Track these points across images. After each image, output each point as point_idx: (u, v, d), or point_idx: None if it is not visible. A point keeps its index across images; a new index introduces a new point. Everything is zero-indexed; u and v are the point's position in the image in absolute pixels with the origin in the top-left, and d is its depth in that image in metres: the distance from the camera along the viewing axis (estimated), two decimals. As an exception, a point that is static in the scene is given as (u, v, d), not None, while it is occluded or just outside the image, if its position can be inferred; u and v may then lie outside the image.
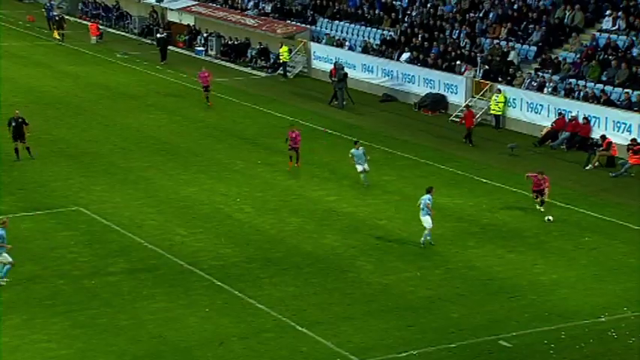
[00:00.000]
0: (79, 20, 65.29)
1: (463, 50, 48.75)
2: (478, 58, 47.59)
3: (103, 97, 47.56)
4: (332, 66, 49.27)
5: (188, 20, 62.08)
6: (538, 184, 32.11)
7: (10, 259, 25.59)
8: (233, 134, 41.15)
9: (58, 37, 60.66)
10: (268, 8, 60.05)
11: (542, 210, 32.08)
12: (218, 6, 62.40)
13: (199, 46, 59.88)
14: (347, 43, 53.91)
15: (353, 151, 34.68)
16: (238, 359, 22.66)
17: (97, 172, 35.95)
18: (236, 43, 58.46)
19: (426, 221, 29.14)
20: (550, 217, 31.57)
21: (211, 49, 59.36)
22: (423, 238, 29.25)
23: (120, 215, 31.49)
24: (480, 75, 46.66)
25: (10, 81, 49.03)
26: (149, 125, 42.94)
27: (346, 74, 47.83)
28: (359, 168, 34.66)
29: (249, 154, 38.79)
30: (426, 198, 29.15)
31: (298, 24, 57.11)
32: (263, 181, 35.09)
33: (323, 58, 54.03)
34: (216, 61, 57.79)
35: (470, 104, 44.57)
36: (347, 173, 35.60)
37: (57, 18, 62.14)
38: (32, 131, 37.44)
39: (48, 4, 67.08)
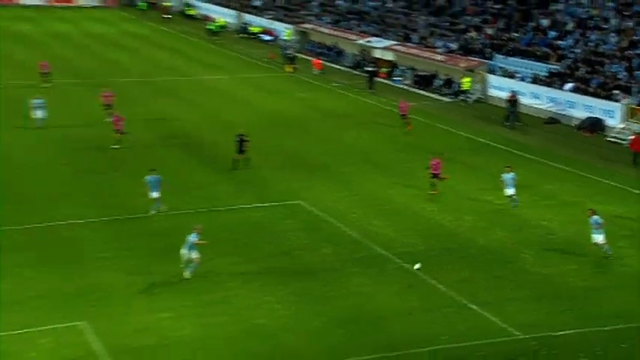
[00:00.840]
0: (306, 57, 66.46)
1: (620, 82, 46.29)
2: (633, 88, 45.13)
3: (323, 117, 48.13)
4: (507, 94, 48.19)
5: (389, 56, 62.08)
6: None
7: (198, 256, 24.96)
8: (422, 149, 40.68)
9: (291, 70, 61.99)
10: (454, 46, 59.21)
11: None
12: (413, 45, 62.09)
13: (397, 77, 59.85)
14: (518, 75, 52.36)
15: (504, 175, 31.81)
16: (423, 328, 22.29)
17: (314, 175, 36.35)
18: (426, 74, 58.01)
19: (599, 238, 26.64)
20: (418, 266, 25.84)
21: (406, 79, 59.23)
22: (605, 250, 26.85)
23: (330, 209, 31.67)
24: (636, 102, 44.30)
25: (248, 104, 50.47)
26: (357, 140, 43.08)
27: (517, 100, 46.76)
28: (508, 192, 31.43)
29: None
30: (595, 218, 26.67)
31: (478, 59, 55.95)
32: (445, 186, 34.45)
33: (497, 87, 52.74)
34: (409, 88, 57.62)
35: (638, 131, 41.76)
36: (518, 182, 34.46)
37: (290, 55, 63.55)
38: (267, 144, 38.22)
39: (284, 45, 68.98)
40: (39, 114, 40.83)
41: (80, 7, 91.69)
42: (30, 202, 31.01)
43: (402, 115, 45.09)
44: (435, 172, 33.08)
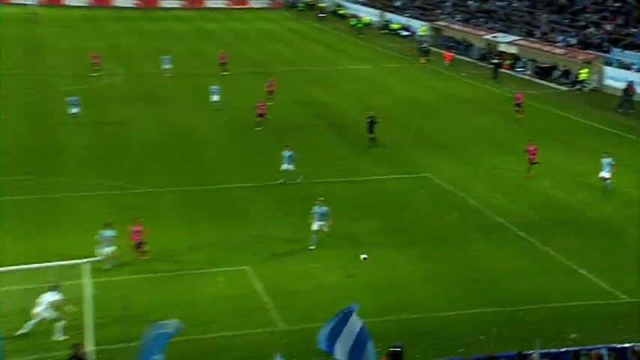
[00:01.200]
0: (438, 50, 65.55)
1: None
2: None
3: (451, 102, 47.48)
4: (623, 84, 45.86)
5: (513, 50, 60.15)
6: None
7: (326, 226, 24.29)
8: (538, 131, 39.42)
9: (424, 62, 61.36)
10: (573, 41, 56.64)
11: None
12: (535, 40, 59.93)
13: (519, 68, 58.00)
14: (634, 67, 49.51)
15: (602, 159, 30.15)
16: (535, 289, 21.92)
17: (442, 152, 36.09)
18: (546, 66, 55.87)
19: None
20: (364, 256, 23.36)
21: (527, 70, 57.30)
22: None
23: (455, 182, 31.41)
24: None
25: (387, 90, 50.44)
26: (481, 122, 42.29)
27: (633, 89, 44.53)
28: (604, 175, 29.75)
29: (550, 144, 36.95)
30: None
31: (596, 52, 53.30)
32: (556, 165, 33.34)
33: (613, 77, 50.11)
34: (530, 78, 55.73)
35: None
36: (626, 162, 32.93)
37: (425, 49, 62.88)
38: (402, 124, 38.19)
39: (419, 39, 68.30)
40: (215, 98, 42.49)
41: (252, 9, 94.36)
42: (206, 169, 32.51)
43: (517, 104, 43.79)
44: (532, 156, 31.83)
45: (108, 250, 22.30)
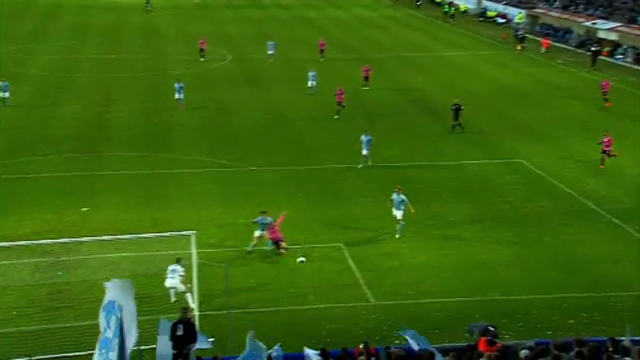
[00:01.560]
0: (534, 37, 63.44)
1: None
2: None
3: (546, 89, 45.97)
4: None
5: (612, 37, 57.46)
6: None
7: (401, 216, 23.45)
8: (633, 117, 37.59)
9: (520, 49, 59.58)
10: (676, 28, 53.53)
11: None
12: (637, 26, 56.92)
13: (619, 55, 55.33)
14: None
15: None
16: (626, 275, 21.11)
17: (535, 138, 35.13)
18: (647, 53, 53.06)
19: None
20: (302, 259, 21.94)
21: (627, 57, 54.56)
22: None
23: (548, 167, 30.52)
24: None
25: (481, 76, 49.29)
26: (575, 109, 40.83)
27: None
28: None
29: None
30: None
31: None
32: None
33: None
34: (630, 65, 53.09)
35: None
36: None
37: (520, 36, 61.01)
38: (495, 110, 37.33)
39: (516, 26, 66.26)
40: (312, 84, 42.69)
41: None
42: (304, 150, 32.85)
43: (604, 92, 41.78)
44: (606, 148, 30.21)
45: (258, 233, 22.21)
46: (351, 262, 21.96)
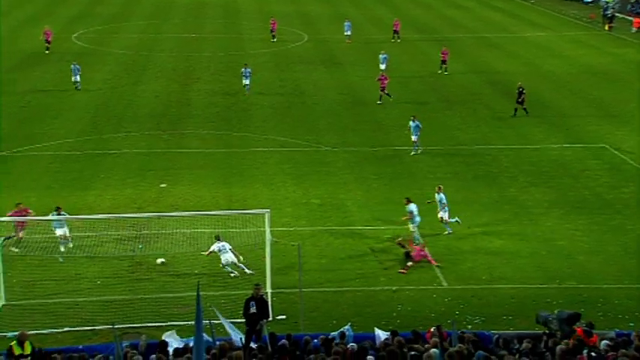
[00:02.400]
0: (625, 17, 60.75)
1: None
2: None
3: (634, 70, 43.99)
4: None
5: None
6: None
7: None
8: None
9: (608, 29, 57.20)
10: None
11: None
12: None
13: None
14: None
15: None
16: None
17: (620, 121, 33.88)
18: None
19: None
20: (162, 260, 20.17)
21: None
22: None
23: (633, 153, 29.31)
24: None
25: (565, 57, 47.58)
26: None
27: None
28: None
29: None
30: None
31: None
32: None
33: None
34: None
35: None
36: None
37: (609, 15, 58.58)
38: (578, 92, 36.07)
39: (605, 5, 63.32)
40: (382, 67, 42.06)
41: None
42: (378, 131, 32.64)
43: None
44: None
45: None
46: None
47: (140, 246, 20.99)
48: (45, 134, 31.40)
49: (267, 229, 18.75)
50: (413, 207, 21.71)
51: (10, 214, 20.44)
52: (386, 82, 36.94)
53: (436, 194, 22.66)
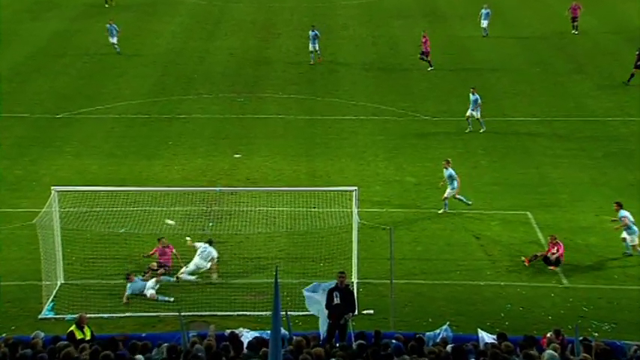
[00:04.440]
0: None
1: None
2: None
3: None
4: None
5: None
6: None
7: None
8: None
9: None
10: None
11: None
12: None
13: None
14: None
15: None
16: None
17: None
18: None
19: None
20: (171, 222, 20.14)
21: None
22: None
23: None
24: None
25: None
26: None
27: None
28: None
29: None
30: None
31: None
32: None
33: None
34: None
35: None
36: None
37: None
38: None
39: None
40: (484, 23, 40.91)
41: None
42: (485, 97, 31.86)
43: None
44: None
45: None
46: (539, 234, 21.31)
47: (210, 224, 21.41)
48: (108, 94, 32.38)
49: (355, 210, 18.74)
50: (625, 213, 20.10)
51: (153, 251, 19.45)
52: (428, 43, 35.59)
53: (444, 169, 22.35)
